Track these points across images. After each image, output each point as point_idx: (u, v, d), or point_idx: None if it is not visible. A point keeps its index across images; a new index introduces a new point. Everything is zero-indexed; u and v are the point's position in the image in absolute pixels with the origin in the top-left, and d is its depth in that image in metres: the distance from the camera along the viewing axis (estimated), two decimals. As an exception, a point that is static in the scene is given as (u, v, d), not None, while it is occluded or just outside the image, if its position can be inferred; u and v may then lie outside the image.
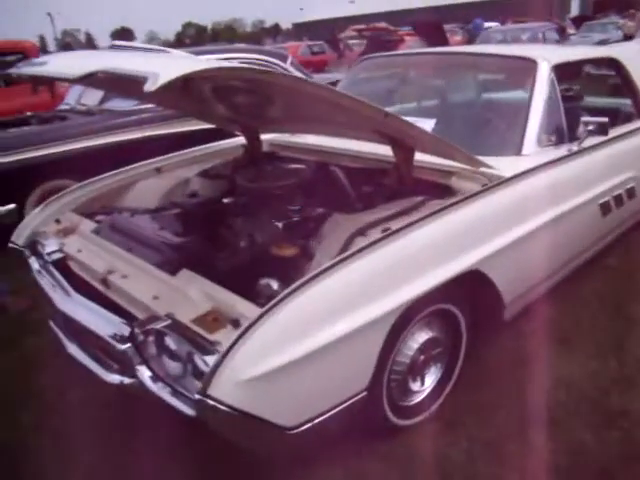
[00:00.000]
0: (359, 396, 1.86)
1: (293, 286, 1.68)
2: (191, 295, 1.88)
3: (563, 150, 2.75)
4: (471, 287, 2.24)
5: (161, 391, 1.74)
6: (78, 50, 2.99)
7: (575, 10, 32.06)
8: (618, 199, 3.09)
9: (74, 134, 4.65)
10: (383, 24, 21.68)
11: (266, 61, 5.44)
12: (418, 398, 2.27)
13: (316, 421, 1.73)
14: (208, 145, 3.45)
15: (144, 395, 1.79)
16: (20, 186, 4.30)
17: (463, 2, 45.21)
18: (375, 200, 2.38)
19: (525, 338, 2.77)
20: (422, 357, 2.19)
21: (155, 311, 1.86)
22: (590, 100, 4.25)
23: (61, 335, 2.27)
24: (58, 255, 2.46)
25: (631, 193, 3.24)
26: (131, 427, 2.26)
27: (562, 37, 14.78)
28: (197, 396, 1.54)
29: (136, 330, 1.80)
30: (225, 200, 2.66)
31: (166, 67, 1.43)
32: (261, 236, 2.22)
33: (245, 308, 1.75)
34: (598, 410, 2.35)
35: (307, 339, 1.64)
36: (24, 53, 7.09)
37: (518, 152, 2.61)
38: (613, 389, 2.46)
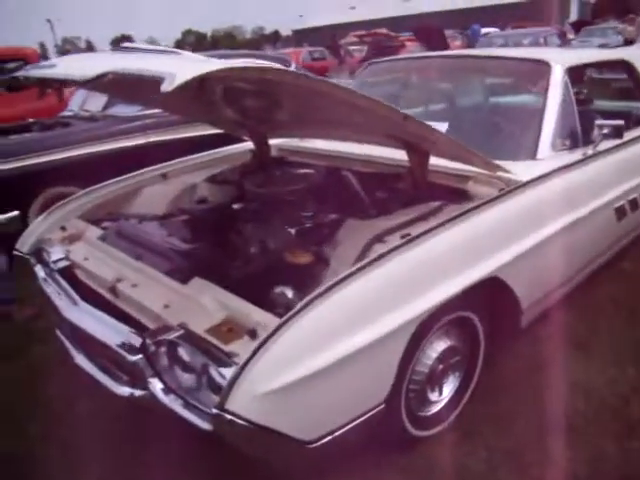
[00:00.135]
0: (378, 408, 1.81)
1: (312, 295, 1.62)
2: (204, 304, 1.82)
3: (578, 154, 2.70)
4: (489, 294, 2.18)
5: (174, 404, 1.68)
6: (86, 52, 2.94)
7: (574, 15, 32.08)
8: (633, 203, 3.04)
9: (77, 140, 4.60)
10: (384, 30, 21.72)
11: (269, 67, 5.39)
12: (436, 408, 2.21)
13: (335, 434, 1.68)
14: (214, 151, 3.40)
15: (155, 408, 1.73)
16: (23, 193, 4.22)
17: (462, 8, 45.33)
18: (389, 205, 2.32)
19: (541, 345, 2.71)
20: (441, 366, 2.13)
21: (167, 321, 1.80)
22: (599, 104, 4.21)
23: (68, 345, 2.20)
24: (64, 263, 2.40)
25: (646, 196, 3.18)
26: (141, 439, 2.20)
27: (563, 42, 14.77)
28: (215, 410, 1.48)
29: (147, 340, 1.74)
30: (235, 206, 2.60)
31: (182, 67, 1.38)
32: (274, 243, 2.16)
33: (261, 318, 1.69)
34: (618, 418, 2.29)
35: (327, 350, 1.59)
36: (25, 59, 7.06)
37: (532, 156, 2.56)
38: (633, 397, 2.41)
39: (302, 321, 1.57)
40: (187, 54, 1.84)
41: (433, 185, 2.41)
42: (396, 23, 31.81)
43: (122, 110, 4.94)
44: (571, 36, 17.88)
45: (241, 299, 1.80)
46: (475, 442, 2.19)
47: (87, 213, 2.83)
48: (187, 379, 1.70)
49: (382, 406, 1.82)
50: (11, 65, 6.99)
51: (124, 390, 1.88)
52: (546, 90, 2.75)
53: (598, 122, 2.79)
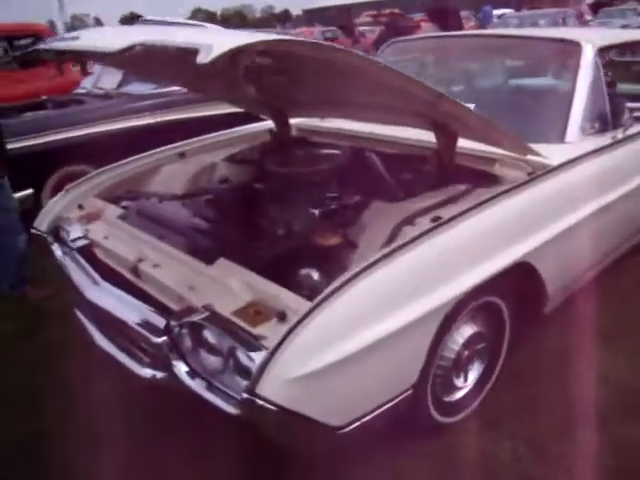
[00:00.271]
0: (406, 393, 1.77)
1: (342, 279, 1.57)
2: (230, 286, 1.77)
3: (607, 138, 2.62)
4: (517, 279, 2.13)
5: (199, 387, 1.65)
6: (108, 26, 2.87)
7: (592, -5, 31.39)
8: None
9: (91, 118, 4.55)
10: (396, 10, 21.40)
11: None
12: (461, 394, 2.17)
13: (364, 420, 1.64)
14: (232, 130, 3.34)
15: (178, 390, 1.70)
16: (36, 171, 4.17)
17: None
18: (416, 187, 2.26)
19: (565, 332, 2.67)
20: (466, 352, 2.09)
21: (192, 302, 1.76)
22: (621, 87, 4.10)
23: (87, 324, 2.18)
24: (83, 242, 2.36)
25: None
26: (160, 418, 2.19)
27: (581, 23, 14.49)
28: (245, 395, 1.44)
29: (172, 322, 1.70)
30: (257, 186, 2.54)
31: (218, 39, 1.32)
32: (299, 224, 2.11)
33: (290, 300, 1.65)
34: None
35: (357, 335, 1.54)
36: (37, 35, 6.97)
37: (561, 139, 2.49)
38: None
39: (333, 306, 1.52)
40: (213, 27, 1.79)
41: (459, 167, 2.35)
42: (405, 3, 31.16)
43: (137, 88, 4.88)
44: (588, 17, 17.54)
45: (268, 281, 1.75)
46: (500, 430, 2.16)
47: (104, 191, 2.78)
48: (213, 362, 1.67)
49: (410, 392, 1.78)
50: (24, 42, 6.93)
51: (146, 372, 1.85)
52: (576, 71, 2.66)
53: (629, 105, 2.71)
